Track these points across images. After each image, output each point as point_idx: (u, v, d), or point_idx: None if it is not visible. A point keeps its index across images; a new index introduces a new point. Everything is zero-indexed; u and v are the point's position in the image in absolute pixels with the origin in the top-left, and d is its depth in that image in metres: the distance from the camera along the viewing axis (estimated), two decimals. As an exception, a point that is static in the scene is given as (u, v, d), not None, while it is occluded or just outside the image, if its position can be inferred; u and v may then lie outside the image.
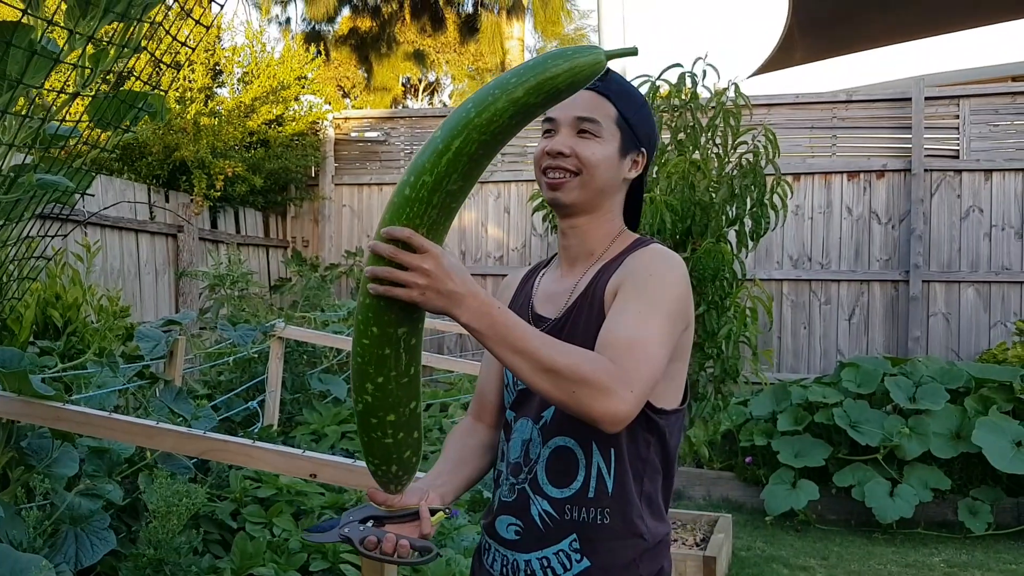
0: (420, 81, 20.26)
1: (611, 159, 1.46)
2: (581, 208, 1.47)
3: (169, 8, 2.16)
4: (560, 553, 1.40)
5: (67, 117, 2.02)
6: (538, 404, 1.45)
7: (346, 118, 8.40)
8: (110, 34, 1.99)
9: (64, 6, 1.81)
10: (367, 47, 17.47)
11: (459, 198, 1.21)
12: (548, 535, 1.41)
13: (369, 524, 1.35)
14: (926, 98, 6.77)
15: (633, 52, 1.25)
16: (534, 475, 1.44)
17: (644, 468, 1.42)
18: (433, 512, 1.36)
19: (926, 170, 6.77)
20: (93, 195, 5.58)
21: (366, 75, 18.41)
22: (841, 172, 6.97)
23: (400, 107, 18.60)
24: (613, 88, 1.49)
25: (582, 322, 1.42)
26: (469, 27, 16.34)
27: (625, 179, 1.50)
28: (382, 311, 1.20)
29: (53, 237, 2.28)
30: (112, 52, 1.94)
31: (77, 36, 1.80)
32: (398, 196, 1.19)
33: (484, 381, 1.64)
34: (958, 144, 6.77)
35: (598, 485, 1.40)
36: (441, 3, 16.26)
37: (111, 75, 2.08)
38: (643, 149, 1.50)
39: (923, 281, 6.74)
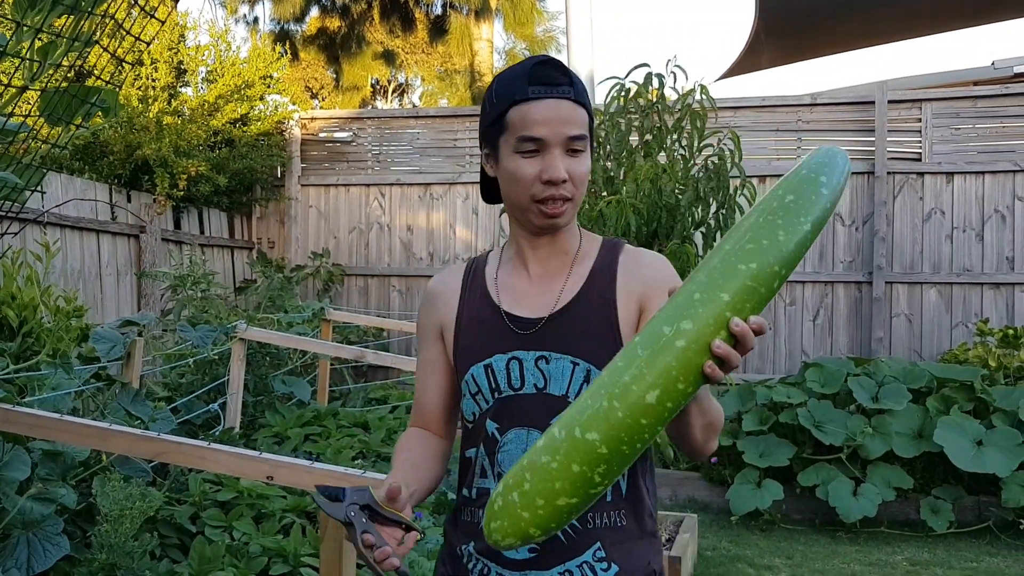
0: (390, 82, 20.17)
1: (590, 167, 1.41)
2: (567, 221, 1.42)
3: (132, 5, 2.12)
4: (584, 565, 1.35)
5: (16, 112, 1.97)
6: (539, 412, 1.36)
7: (312, 118, 8.32)
8: (61, 27, 1.95)
9: (11, -2, 1.77)
10: (336, 47, 17.35)
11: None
12: (571, 547, 1.36)
13: (365, 515, 1.28)
14: (889, 101, 6.85)
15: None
16: None
17: (645, 466, 1.43)
18: (408, 529, 1.29)
19: (889, 172, 6.85)
20: (45, 192, 5.47)
21: (335, 75, 18.29)
22: (806, 174, 7.03)
23: (369, 108, 18.51)
24: (579, 89, 1.40)
25: (583, 319, 1.38)
26: (438, 28, 16.29)
27: None
28: (695, 376, 1.11)
29: (2, 235, 2.23)
30: (62, 45, 1.89)
31: (25, 28, 1.76)
32: (755, 282, 1.12)
33: (423, 391, 1.54)
34: (920, 147, 6.86)
35: (614, 488, 1.37)
36: (411, 3, 16.20)
37: (66, 70, 2.04)
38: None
39: (886, 282, 6.82)
